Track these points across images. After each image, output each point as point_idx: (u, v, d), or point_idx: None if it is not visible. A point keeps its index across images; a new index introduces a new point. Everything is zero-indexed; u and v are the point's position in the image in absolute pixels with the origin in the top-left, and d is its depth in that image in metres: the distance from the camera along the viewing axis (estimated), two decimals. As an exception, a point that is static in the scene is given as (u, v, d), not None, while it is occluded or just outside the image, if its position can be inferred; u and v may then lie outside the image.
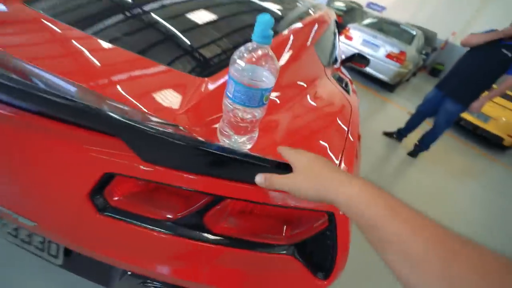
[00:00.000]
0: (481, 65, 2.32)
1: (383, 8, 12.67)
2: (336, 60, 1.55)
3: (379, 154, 2.93)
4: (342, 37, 5.03)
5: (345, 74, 1.70)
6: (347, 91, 1.16)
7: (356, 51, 4.85)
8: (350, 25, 5.02)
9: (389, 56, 4.60)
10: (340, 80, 1.26)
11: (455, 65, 2.57)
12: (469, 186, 3.09)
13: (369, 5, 12.99)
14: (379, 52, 4.67)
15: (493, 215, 2.68)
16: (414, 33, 5.18)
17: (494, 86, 2.44)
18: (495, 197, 3.03)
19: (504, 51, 2.20)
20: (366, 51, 4.76)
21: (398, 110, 4.57)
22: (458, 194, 2.83)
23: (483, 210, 2.72)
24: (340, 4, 8.07)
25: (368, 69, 4.83)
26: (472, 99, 2.44)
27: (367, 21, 5.46)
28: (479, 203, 2.81)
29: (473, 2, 9.44)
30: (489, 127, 4.00)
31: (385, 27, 5.38)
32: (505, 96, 4.04)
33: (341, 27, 2.96)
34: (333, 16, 1.45)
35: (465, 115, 4.12)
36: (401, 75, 4.82)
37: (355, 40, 4.89)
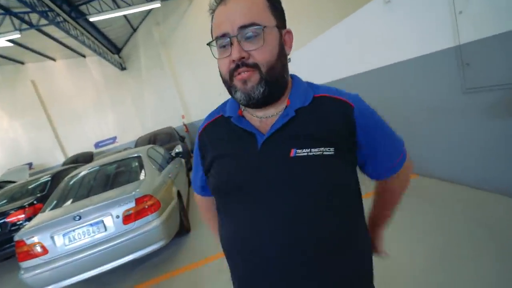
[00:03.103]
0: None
1: (114, 139, 11.44)
2: None
3: None
4: (29, 262, 2.37)
5: None
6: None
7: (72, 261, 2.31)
8: (18, 235, 2.44)
9: (128, 218, 2.48)
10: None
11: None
12: None
13: (97, 145, 11.37)
14: (111, 226, 2.43)
15: None
16: (139, 154, 3.51)
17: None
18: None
19: None
20: (83, 242, 2.38)
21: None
22: None
23: None
24: (45, 178, 5.28)
25: (115, 263, 2.44)
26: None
27: (61, 190, 3.15)
28: None
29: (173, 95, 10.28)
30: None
31: (103, 172, 3.36)
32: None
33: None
34: None
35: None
36: (172, 215, 2.85)
37: (54, 249, 2.37)
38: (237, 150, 0.64)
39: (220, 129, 0.69)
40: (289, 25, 0.65)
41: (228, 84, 0.60)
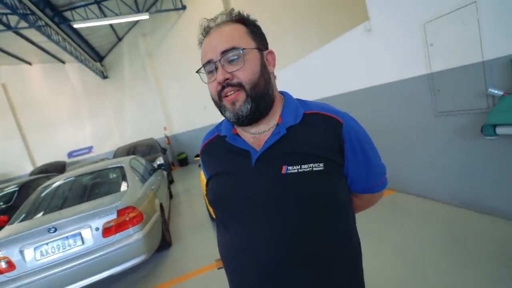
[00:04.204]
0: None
1: (90, 148, 10.93)
2: None
3: None
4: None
5: None
6: None
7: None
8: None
9: (108, 231, 2.37)
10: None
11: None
12: None
13: (71, 155, 10.77)
14: (89, 239, 2.31)
15: None
16: (122, 164, 3.40)
17: None
18: None
19: None
20: (57, 257, 2.23)
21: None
22: None
23: None
24: (12, 189, 4.89)
25: (91, 279, 2.30)
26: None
27: (32, 201, 2.94)
28: None
29: (156, 106, 10.14)
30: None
31: (81, 183, 3.19)
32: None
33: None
34: None
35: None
36: (154, 228, 2.77)
37: (22, 264, 2.19)
38: (233, 167, 0.67)
39: (217, 149, 0.73)
40: (275, 46, 0.72)
41: (218, 104, 0.65)
